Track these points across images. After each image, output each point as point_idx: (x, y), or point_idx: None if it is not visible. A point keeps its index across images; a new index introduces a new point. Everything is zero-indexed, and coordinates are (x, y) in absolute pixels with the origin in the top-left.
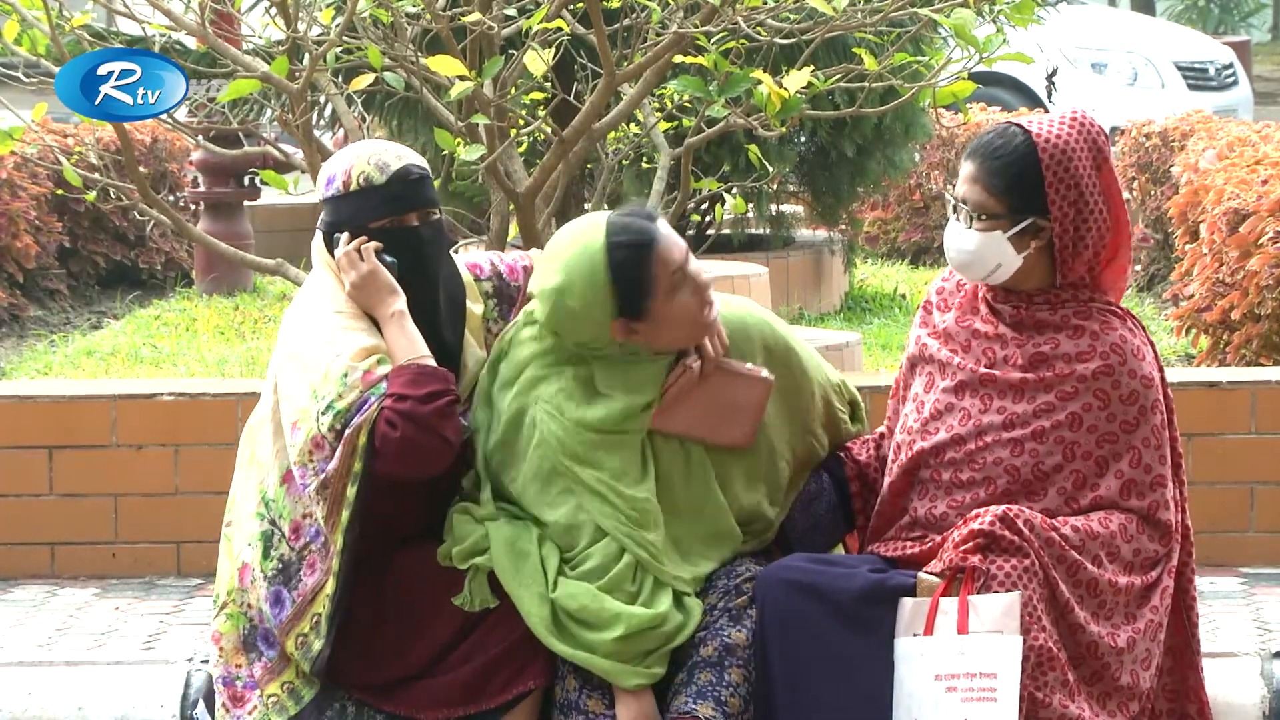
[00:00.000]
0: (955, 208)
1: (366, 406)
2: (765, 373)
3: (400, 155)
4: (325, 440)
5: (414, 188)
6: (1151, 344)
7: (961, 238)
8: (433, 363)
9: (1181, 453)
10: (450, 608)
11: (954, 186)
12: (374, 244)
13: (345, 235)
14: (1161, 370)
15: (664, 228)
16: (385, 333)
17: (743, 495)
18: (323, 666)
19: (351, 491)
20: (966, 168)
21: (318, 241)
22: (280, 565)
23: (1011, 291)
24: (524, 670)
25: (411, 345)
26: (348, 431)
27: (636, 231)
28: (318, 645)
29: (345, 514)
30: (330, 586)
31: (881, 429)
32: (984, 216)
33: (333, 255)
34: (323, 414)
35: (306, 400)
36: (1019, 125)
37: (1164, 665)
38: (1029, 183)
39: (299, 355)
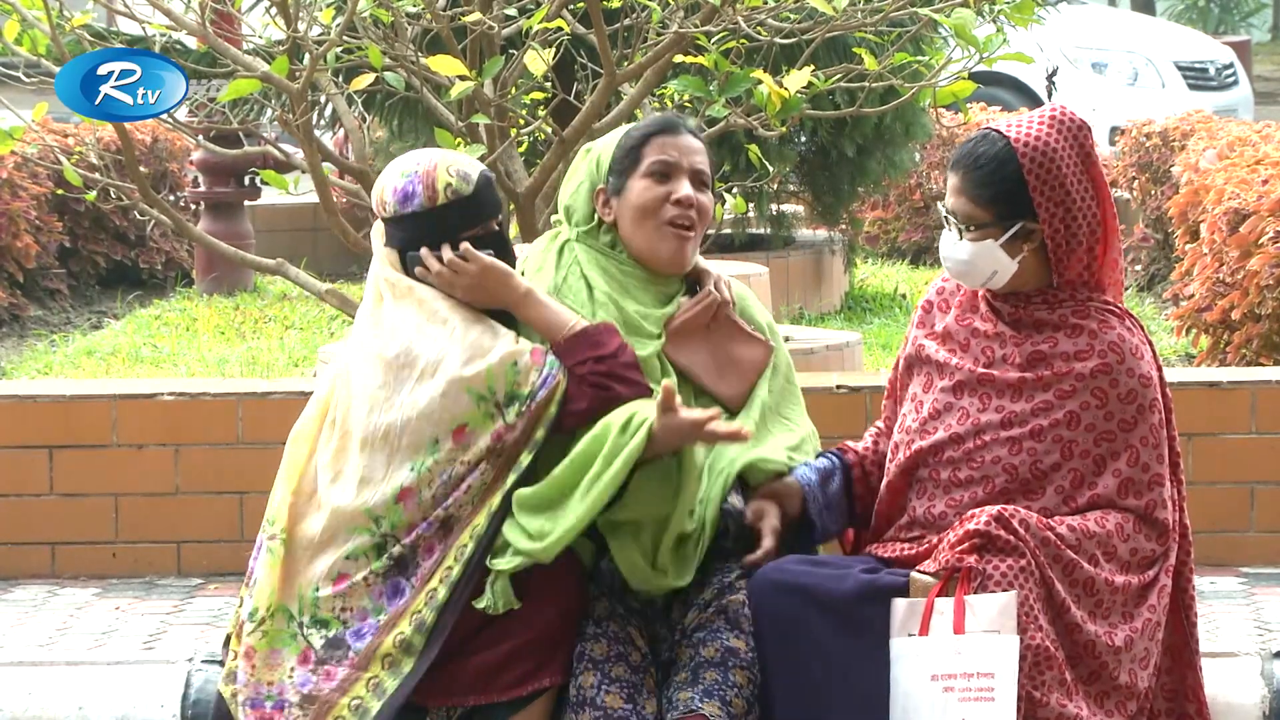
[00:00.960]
0: (947, 219)
1: (550, 380)
2: (766, 338)
3: (470, 163)
4: (510, 427)
5: (493, 193)
6: (1150, 343)
7: (955, 249)
8: (587, 321)
9: (1180, 452)
10: (469, 607)
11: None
12: (464, 244)
13: (424, 250)
14: (1160, 369)
15: (688, 135)
16: (525, 312)
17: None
18: (441, 634)
19: (527, 458)
20: (951, 179)
21: (390, 260)
22: (392, 562)
23: (1011, 293)
24: (542, 666)
25: (559, 311)
26: (534, 405)
27: (661, 118)
28: (444, 594)
29: (512, 477)
30: (470, 549)
31: (879, 424)
32: (973, 227)
33: (409, 271)
34: (506, 407)
35: (469, 406)
36: (997, 130)
37: (1162, 665)
38: (1013, 189)
39: (438, 371)
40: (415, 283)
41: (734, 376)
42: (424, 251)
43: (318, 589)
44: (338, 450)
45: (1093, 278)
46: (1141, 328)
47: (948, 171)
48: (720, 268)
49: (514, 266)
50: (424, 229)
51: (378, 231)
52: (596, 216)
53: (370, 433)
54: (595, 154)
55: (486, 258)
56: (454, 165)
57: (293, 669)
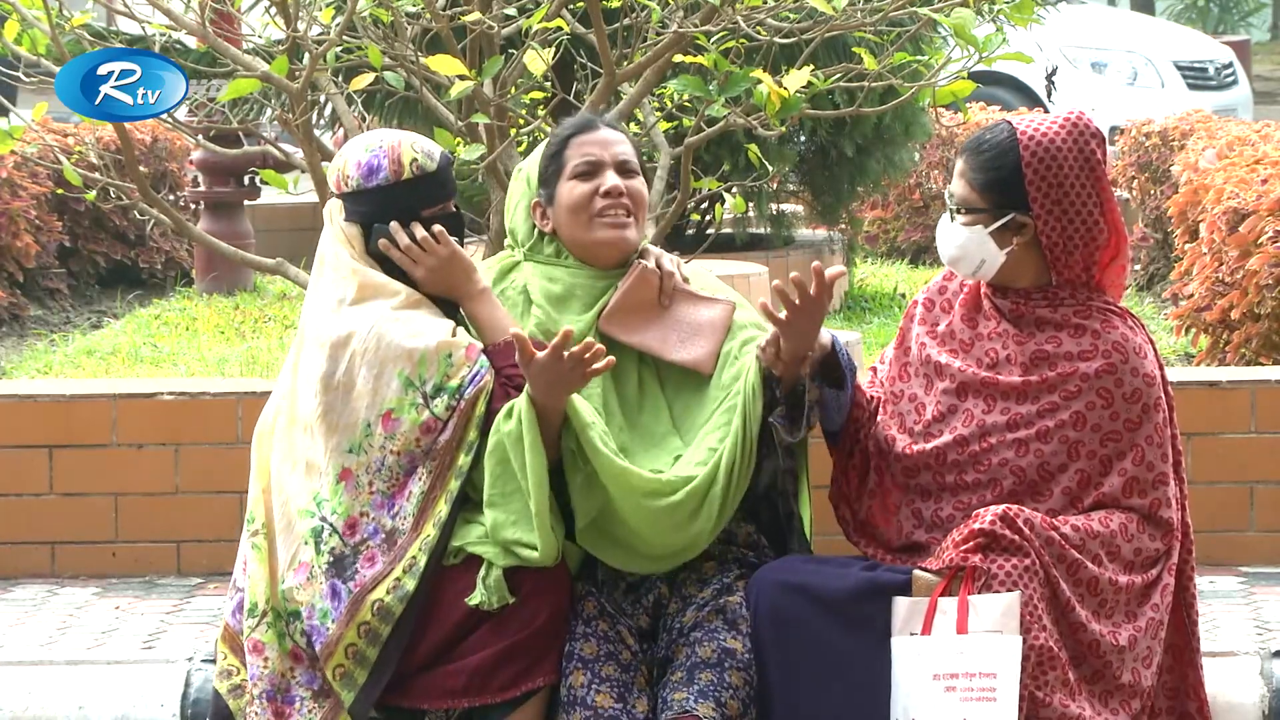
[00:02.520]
0: (947, 201)
1: (479, 378)
2: (728, 296)
3: (430, 143)
4: (439, 421)
5: (452, 175)
6: (1152, 342)
7: (946, 231)
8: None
9: (1181, 451)
10: (461, 604)
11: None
12: (438, 227)
13: (395, 224)
14: (1162, 368)
15: (606, 129)
16: (475, 308)
17: (702, 425)
18: (392, 658)
19: (465, 460)
20: (958, 163)
21: (349, 234)
22: (331, 559)
23: (1010, 289)
24: (535, 666)
25: (506, 317)
26: (462, 403)
27: (575, 119)
28: (385, 630)
29: (455, 483)
30: (424, 561)
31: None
32: (966, 211)
33: (371, 245)
34: (433, 398)
35: (398, 391)
36: (1009, 122)
37: (1164, 663)
38: (1009, 179)
39: (374, 354)
40: (357, 264)
41: (701, 339)
42: (394, 225)
43: (284, 580)
44: (287, 437)
45: (1092, 280)
46: (1143, 327)
47: (957, 156)
48: (720, 268)
49: (462, 245)
50: (388, 204)
51: (333, 208)
52: (537, 230)
53: (312, 415)
54: (525, 172)
55: (457, 245)
56: (417, 143)
57: (291, 667)
